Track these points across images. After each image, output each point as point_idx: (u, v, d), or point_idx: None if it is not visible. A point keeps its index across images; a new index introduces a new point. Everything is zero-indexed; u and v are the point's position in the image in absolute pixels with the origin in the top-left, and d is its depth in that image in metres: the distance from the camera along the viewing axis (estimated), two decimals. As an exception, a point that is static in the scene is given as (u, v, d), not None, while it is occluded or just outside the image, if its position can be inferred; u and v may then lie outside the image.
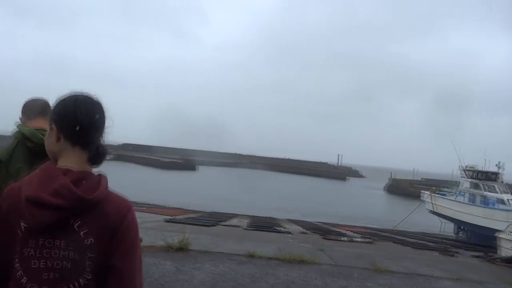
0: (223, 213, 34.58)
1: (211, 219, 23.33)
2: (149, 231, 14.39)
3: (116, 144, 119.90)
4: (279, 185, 76.89)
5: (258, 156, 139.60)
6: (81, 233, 1.42)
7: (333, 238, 17.30)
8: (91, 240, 1.43)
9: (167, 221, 19.01)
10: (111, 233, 1.47)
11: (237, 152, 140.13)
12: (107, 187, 1.52)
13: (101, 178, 1.53)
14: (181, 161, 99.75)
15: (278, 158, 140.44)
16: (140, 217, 17.63)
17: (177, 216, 22.90)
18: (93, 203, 1.44)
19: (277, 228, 20.60)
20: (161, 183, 62.20)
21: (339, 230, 25.02)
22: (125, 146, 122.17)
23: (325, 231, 22.26)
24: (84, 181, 1.46)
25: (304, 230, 21.34)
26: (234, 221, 24.52)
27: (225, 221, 23.86)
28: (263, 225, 22.75)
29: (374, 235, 22.60)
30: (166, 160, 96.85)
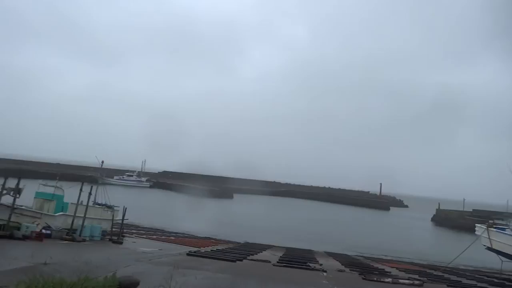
0: (257, 244, 32.74)
1: (241, 252, 21.59)
2: (161, 267, 12.90)
3: (156, 172, 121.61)
4: (318, 215, 73.74)
5: (296, 185, 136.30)
6: None
7: (375, 279, 14.95)
8: None
9: (190, 254, 17.49)
10: None
11: (275, 180, 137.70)
12: None
13: None
14: (218, 189, 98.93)
15: (317, 187, 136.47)
16: (162, 248, 16.18)
17: (203, 249, 21.33)
18: None
19: (311, 264, 18.43)
20: (198, 211, 61.19)
21: (382, 266, 22.36)
22: (165, 174, 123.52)
23: (366, 268, 19.80)
24: None
25: (342, 267, 19.02)
26: (265, 254, 22.60)
27: (256, 253, 22.04)
28: (296, 259, 20.65)
29: (423, 274, 19.85)
30: (203, 188, 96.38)
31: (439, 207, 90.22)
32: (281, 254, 23.50)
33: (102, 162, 23.13)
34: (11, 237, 14.98)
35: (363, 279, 14.82)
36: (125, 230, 24.81)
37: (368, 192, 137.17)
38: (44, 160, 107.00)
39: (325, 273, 15.41)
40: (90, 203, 20.51)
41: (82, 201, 19.76)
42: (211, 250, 20.66)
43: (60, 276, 9.26)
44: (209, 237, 34.13)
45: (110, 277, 8.10)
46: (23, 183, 17.36)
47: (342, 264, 20.91)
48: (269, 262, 18.01)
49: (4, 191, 16.09)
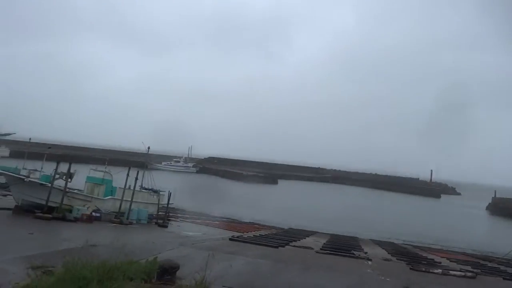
0: (301, 229, 32.52)
1: (283, 238, 21.47)
2: (203, 252, 13.02)
3: (202, 158, 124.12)
4: (364, 201, 72.09)
5: (341, 171, 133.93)
6: None
7: (424, 269, 14.27)
8: None
9: (232, 239, 17.59)
10: None
11: (320, 166, 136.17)
12: None
13: None
14: (262, 174, 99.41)
15: (363, 173, 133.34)
16: (206, 233, 16.33)
17: (246, 234, 21.43)
18: None
19: (355, 252, 17.96)
20: (242, 196, 61.84)
21: (431, 256, 21.40)
22: (211, 159, 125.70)
23: (414, 258, 19.02)
24: None
25: (388, 256, 18.39)
26: (308, 241, 22.35)
27: (299, 240, 21.83)
28: (340, 247, 20.23)
29: (477, 266, 18.76)
30: (248, 173, 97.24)
31: (495, 195, 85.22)
32: (324, 241, 23.15)
33: (148, 148, 23.75)
34: (63, 219, 15.78)
35: (411, 269, 14.19)
36: (171, 214, 25.46)
37: (418, 178, 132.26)
38: (95, 146, 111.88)
39: (370, 262, 14.93)
40: (137, 188, 21.17)
41: (130, 186, 20.42)
42: (253, 236, 20.70)
43: (105, 258, 9.59)
44: (252, 222, 34.35)
45: (151, 260, 8.21)
46: (75, 168, 18.18)
47: (388, 253, 20.24)
48: (312, 249, 17.76)
49: (57, 175, 16.94)
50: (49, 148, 31.52)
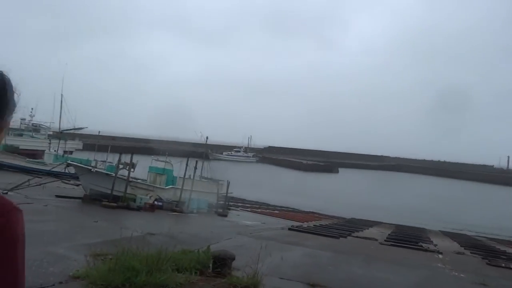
0: (363, 220, 31.40)
1: (345, 228, 20.73)
2: (261, 241, 12.77)
3: (262, 147, 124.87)
4: (431, 190, 68.20)
5: (406, 159, 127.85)
6: None
7: (503, 265, 12.93)
8: None
9: (291, 228, 17.22)
10: None
11: (383, 154, 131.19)
12: None
13: None
14: (322, 163, 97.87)
15: (430, 161, 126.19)
16: (265, 222, 16.05)
17: (306, 223, 20.97)
18: None
19: (423, 244, 16.81)
20: (302, 186, 61.27)
21: (511, 250, 19.51)
22: (270, 149, 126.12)
23: (490, 252, 17.42)
24: None
25: (461, 249, 17.00)
26: (372, 232, 21.38)
27: (362, 230, 20.95)
28: (407, 238, 19.08)
29: None
30: (308, 162, 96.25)
31: None
32: (389, 232, 22.03)
33: (207, 138, 24.06)
34: (127, 207, 16.39)
35: (487, 264, 12.92)
36: (231, 203, 25.68)
37: (493, 166, 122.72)
38: (156, 138, 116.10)
39: (440, 255, 13.82)
40: (197, 177, 21.51)
41: (190, 175, 20.81)
42: (313, 225, 20.19)
43: (162, 246, 9.66)
44: (312, 212, 33.73)
45: (204, 250, 8.07)
46: (137, 158, 18.82)
47: (461, 246, 18.74)
48: (376, 240, 16.89)
49: (121, 166, 17.62)
50: (113, 139, 33.09)
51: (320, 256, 11.08)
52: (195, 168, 20.62)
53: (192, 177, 20.36)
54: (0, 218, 1.15)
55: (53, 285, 6.27)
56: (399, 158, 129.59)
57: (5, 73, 1.24)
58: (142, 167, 21.15)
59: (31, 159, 29.67)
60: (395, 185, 75.43)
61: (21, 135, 45.94)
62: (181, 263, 7.24)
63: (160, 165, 20.86)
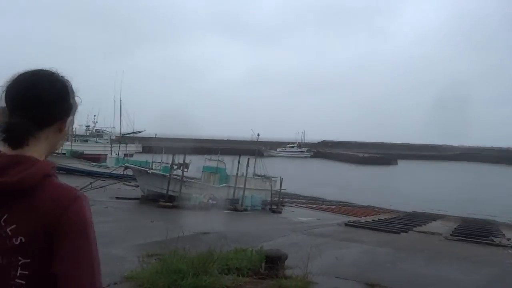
0: (426, 213, 29.81)
1: (406, 222, 19.71)
2: (316, 238, 12.42)
3: (315, 142, 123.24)
4: (502, 179, 63.31)
5: (470, 147, 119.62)
6: (8, 229, 1.14)
7: None
8: (21, 239, 1.14)
9: (348, 224, 16.65)
10: (48, 231, 1.15)
11: (444, 143, 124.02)
12: (41, 172, 1.18)
13: (37, 163, 1.19)
14: (379, 155, 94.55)
15: (497, 148, 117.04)
16: (321, 218, 15.65)
17: (364, 218, 20.21)
18: (18, 190, 1.14)
19: (495, 239, 15.51)
20: (359, 179, 59.57)
21: None
22: (324, 143, 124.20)
23: None
24: (17, 166, 1.15)
25: (539, 244, 15.47)
26: (435, 225, 20.15)
27: (425, 224, 19.81)
28: (475, 232, 17.73)
29: None
30: (364, 155, 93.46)
31: None
32: (455, 226, 20.64)
33: (258, 135, 24.00)
34: (182, 207, 16.73)
35: None
36: (286, 200, 25.44)
37: None
38: (208, 137, 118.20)
39: (514, 251, 12.65)
40: (250, 175, 21.50)
41: (243, 173, 20.87)
42: (371, 220, 19.41)
43: (211, 246, 9.64)
44: (371, 206, 32.56)
45: (257, 249, 7.90)
46: (191, 158, 19.18)
47: (538, 239, 17.07)
48: (440, 234, 15.86)
49: (175, 166, 18.04)
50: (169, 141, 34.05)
51: (378, 253, 10.54)
52: (247, 165, 20.61)
53: (244, 174, 20.38)
54: (70, 206, 1.18)
55: (108, 285, 6.40)
56: (463, 147, 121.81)
57: (65, 77, 1.33)
58: (196, 166, 21.54)
59: (94, 163, 31.40)
60: (460, 175, 71.00)
61: (86, 141, 48.96)
62: (233, 263, 7.13)
63: (213, 164, 21.12)
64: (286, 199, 26.02)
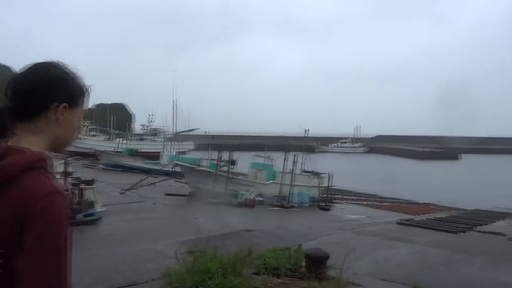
0: (490, 211, 27.69)
1: (466, 221, 18.39)
2: (364, 237, 11.90)
3: (370, 137, 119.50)
4: None
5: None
6: None
7: None
8: None
9: (400, 222, 15.82)
10: (18, 223, 1.14)
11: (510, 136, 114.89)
12: (18, 164, 1.16)
13: (19, 154, 1.18)
14: (440, 149, 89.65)
15: None
16: (371, 215, 15.04)
17: (419, 216, 19.15)
18: None
19: None
20: (417, 175, 56.86)
21: None
22: (380, 138, 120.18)
23: None
24: (4, 158, 1.16)
25: None
26: (499, 225, 18.59)
27: (487, 224, 18.37)
28: (547, 233, 16.12)
29: None
30: (423, 149, 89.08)
31: None
32: (523, 225, 18.93)
33: (306, 130, 23.60)
34: (228, 204, 16.82)
35: None
36: (336, 196, 24.82)
37: None
38: (258, 134, 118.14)
39: None
40: (298, 171, 21.20)
41: (291, 169, 20.63)
42: (427, 219, 18.31)
43: (257, 242, 9.51)
44: (428, 203, 30.87)
45: (295, 248, 7.66)
46: (240, 155, 19.27)
47: None
48: (504, 235, 14.57)
49: (221, 163, 18.19)
50: (213, 138, 34.57)
51: (431, 254, 9.86)
52: (294, 161, 20.33)
53: (292, 171, 20.12)
54: (41, 200, 1.15)
55: (147, 281, 6.49)
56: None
57: (63, 66, 1.31)
58: (245, 163, 21.60)
59: (148, 161, 32.64)
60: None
61: (142, 139, 51.07)
62: (270, 262, 6.95)
63: (260, 160, 21.06)
64: (337, 196, 25.38)
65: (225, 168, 18.55)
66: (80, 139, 45.63)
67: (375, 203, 26.82)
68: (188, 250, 8.18)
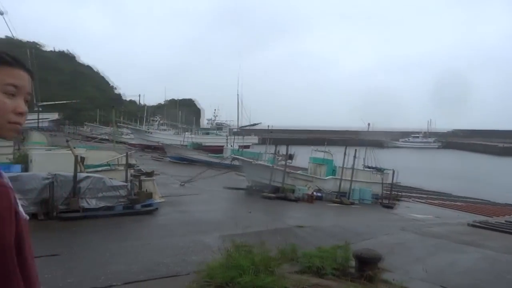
0: None
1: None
2: (427, 239, 11.02)
3: (445, 131, 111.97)
4: None
5: None
6: None
7: None
8: None
9: (472, 224, 14.51)
10: None
11: None
12: None
13: None
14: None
15: None
16: (441, 216, 14.03)
17: (495, 218, 17.46)
18: None
19: None
20: (498, 173, 52.19)
21: None
22: (455, 133, 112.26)
23: None
24: None
25: None
26: None
27: None
28: None
29: None
30: (505, 145, 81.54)
31: None
32: None
33: (369, 124, 22.56)
34: (285, 198, 16.54)
35: None
36: (403, 194, 23.52)
37: None
38: (326, 128, 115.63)
39: None
40: (360, 167, 20.38)
41: (352, 165, 19.86)
42: (505, 221, 16.60)
43: (308, 240, 9.18)
44: (509, 204, 28.11)
45: (342, 247, 7.23)
46: (295, 149, 18.92)
47: None
48: None
49: (279, 157, 17.96)
50: (271, 132, 34.39)
51: (502, 261, 8.86)
52: (355, 157, 19.50)
53: (353, 166, 19.33)
54: None
55: (188, 274, 6.50)
56: None
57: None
58: (305, 158, 21.20)
59: (212, 154, 33.44)
60: None
61: (207, 133, 52.55)
62: (314, 262, 6.63)
63: (320, 155, 20.51)
64: (403, 193, 24.02)
65: (283, 162, 18.30)
66: (150, 133, 48.19)
67: (447, 202, 24.97)
68: (234, 244, 8.12)
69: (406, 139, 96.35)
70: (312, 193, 17.54)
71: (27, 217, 1.17)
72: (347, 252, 7.07)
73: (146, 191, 12.14)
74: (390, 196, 19.99)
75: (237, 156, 19.88)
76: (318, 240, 9.11)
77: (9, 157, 12.45)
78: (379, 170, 21.12)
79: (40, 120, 37.18)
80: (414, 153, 75.68)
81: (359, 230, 11.40)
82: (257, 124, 53.33)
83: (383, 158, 24.45)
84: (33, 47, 61.91)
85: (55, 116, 51.78)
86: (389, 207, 18.53)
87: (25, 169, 10.54)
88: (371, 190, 19.56)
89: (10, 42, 63.46)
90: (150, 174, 13.42)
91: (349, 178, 18.96)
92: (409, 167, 35.13)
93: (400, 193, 22.94)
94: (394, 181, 21.09)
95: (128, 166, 12.78)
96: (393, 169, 20.41)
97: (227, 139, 41.04)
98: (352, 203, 18.03)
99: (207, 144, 41.88)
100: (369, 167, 21.51)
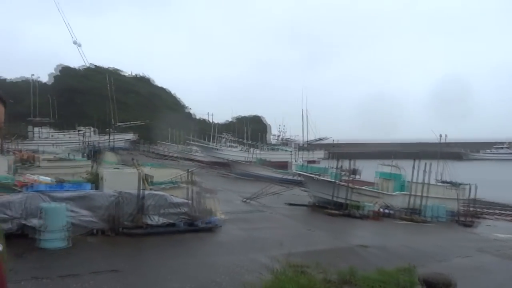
0: None
1: None
2: (508, 263, 9.81)
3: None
4: None
5: None
6: None
7: None
8: None
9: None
10: None
11: None
12: None
13: None
14: None
15: None
16: (490, 224, 12.60)
17: None
18: None
19: None
20: None
21: None
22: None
23: None
24: None
25: None
26: None
27: None
28: None
29: None
30: None
31: None
32: None
33: (440, 136, 21.02)
34: (350, 215, 15.83)
35: None
36: (484, 211, 21.50)
37: None
38: (397, 141, 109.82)
39: None
40: (433, 181, 19.02)
41: (423, 179, 18.57)
42: None
43: (372, 261, 8.61)
44: None
45: (407, 270, 6.65)
46: (362, 164, 18.14)
47: None
48: None
49: (342, 172, 17.32)
50: (333, 146, 33.44)
51: None
52: (425, 171, 18.16)
53: (423, 181, 18.03)
54: None
55: (238, 292, 6.37)
56: None
57: None
58: (371, 172, 20.30)
59: (277, 170, 33.39)
60: None
61: (274, 149, 52.82)
62: (374, 285, 6.17)
63: (387, 169, 19.40)
64: (485, 210, 21.90)
65: (347, 178, 17.61)
66: (218, 149, 49.52)
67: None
68: (290, 264, 7.85)
69: (488, 150, 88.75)
70: (379, 209, 16.62)
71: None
72: (413, 276, 6.50)
73: (207, 208, 12.30)
74: (468, 213, 18.27)
75: (300, 172, 19.57)
76: (382, 262, 8.51)
77: (84, 176, 13.37)
78: (455, 184, 19.44)
79: (117, 140, 39.94)
80: (499, 165, 69.27)
81: (430, 251, 10.52)
82: (324, 139, 52.50)
83: (463, 171, 22.61)
84: (114, 73, 67.30)
85: (130, 135, 55.33)
86: (468, 225, 16.91)
87: (96, 187, 11.20)
88: (445, 206, 18.04)
89: (97, 70, 69.72)
90: (212, 191, 13.63)
91: (420, 194, 17.70)
92: (492, 181, 32.11)
93: (480, 210, 20.97)
94: (474, 196, 19.31)
95: (191, 183, 13.10)
96: (469, 184, 18.69)
97: (291, 155, 40.85)
98: (424, 221, 16.73)
99: (272, 160, 41.98)
100: (443, 182, 19.92)
